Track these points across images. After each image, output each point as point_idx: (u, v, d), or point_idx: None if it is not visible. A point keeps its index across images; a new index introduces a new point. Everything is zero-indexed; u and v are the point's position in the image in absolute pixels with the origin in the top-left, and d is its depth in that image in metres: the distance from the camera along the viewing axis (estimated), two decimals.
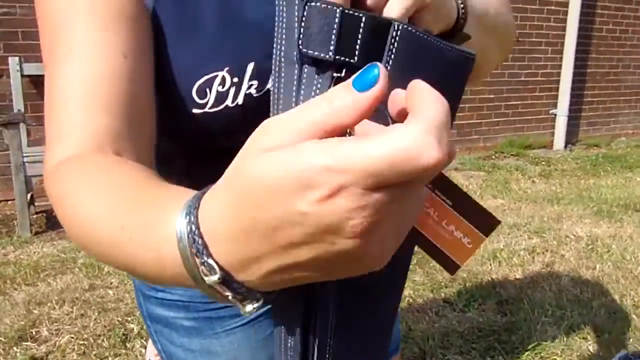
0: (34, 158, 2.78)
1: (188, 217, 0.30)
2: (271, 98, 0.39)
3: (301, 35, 0.36)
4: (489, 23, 0.54)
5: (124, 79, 0.47)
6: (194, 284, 0.31)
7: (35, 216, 3.04)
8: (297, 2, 0.36)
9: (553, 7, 4.65)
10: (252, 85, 0.51)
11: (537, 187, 3.78)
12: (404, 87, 0.30)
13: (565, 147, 4.93)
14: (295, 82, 0.38)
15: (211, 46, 0.51)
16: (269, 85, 0.51)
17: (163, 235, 0.32)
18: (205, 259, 0.29)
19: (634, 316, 2.07)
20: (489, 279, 2.35)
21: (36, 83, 3.08)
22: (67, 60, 0.47)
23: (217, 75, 0.50)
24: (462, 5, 0.46)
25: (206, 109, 0.51)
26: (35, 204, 3.11)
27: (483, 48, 0.52)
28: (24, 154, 2.75)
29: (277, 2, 0.38)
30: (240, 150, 0.30)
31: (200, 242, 0.29)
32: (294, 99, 0.38)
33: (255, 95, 0.51)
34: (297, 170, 0.24)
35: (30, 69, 3.00)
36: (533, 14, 4.57)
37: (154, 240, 0.33)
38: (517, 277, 2.38)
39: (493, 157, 4.55)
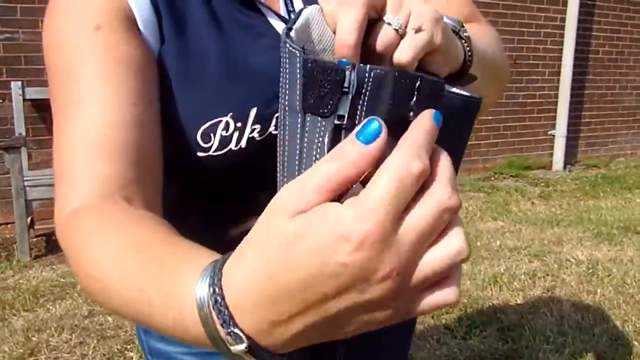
0: (35, 182, 2.79)
1: (212, 289, 0.30)
2: (277, 143, 0.41)
3: (303, 89, 0.38)
4: (488, 64, 0.55)
5: (132, 127, 0.48)
6: (216, 349, 0.32)
7: (34, 239, 3.04)
8: (298, 55, 0.38)
9: (549, 30, 4.71)
10: (254, 129, 0.53)
11: (536, 209, 3.79)
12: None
13: (565, 167, 4.94)
14: (299, 129, 0.39)
15: (215, 93, 0.53)
16: (271, 129, 0.53)
17: (183, 301, 0.32)
18: (232, 329, 0.30)
19: (635, 342, 2.06)
20: (490, 304, 2.34)
21: (38, 107, 3.11)
22: (77, 110, 0.48)
23: (221, 121, 0.52)
24: (468, 47, 0.47)
25: (210, 153, 0.53)
26: (35, 227, 3.10)
27: (483, 88, 0.54)
28: (25, 178, 2.76)
29: (281, 53, 0.40)
30: (264, 215, 0.30)
31: (226, 313, 0.29)
32: (298, 144, 0.40)
33: (257, 138, 0.53)
34: (334, 226, 0.27)
35: (32, 93, 3.02)
36: (530, 37, 4.63)
37: (173, 305, 0.33)
38: (518, 302, 2.37)
39: (492, 178, 4.56)
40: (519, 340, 2.04)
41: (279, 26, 0.57)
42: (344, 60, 0.38)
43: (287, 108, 0.40)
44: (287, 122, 0.40)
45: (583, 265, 2.77)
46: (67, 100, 0.49)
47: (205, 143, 0.52)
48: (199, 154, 0.53)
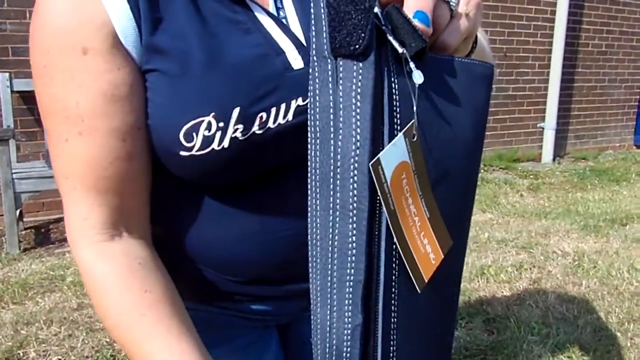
0: (23, 174, 2.78)
1: None
2: (310, 101, 0.38)
3: (329, 27, 0.34)
4: (484, 57, 0.58)
5: (126, 160, 0.54)
6: None
7: (23, 232, 3.03)
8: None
9: (540, 23, 4.72)
10: (237, 129, 0.53)
11: (525, 201, 3.82)
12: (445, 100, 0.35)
13: (554, 160, 4.98)
14: (330, 78, 0.35)
15: (197, 93, 0.53)
16: (254, 129, 0.53)
17: None
18: None
19: (618, 334, 2.10)
20: (477, 296, 2.37)
21: (26, 99, 3.08)
22: (77, 140, 0.53)
23: (203, 121, 0.52)
24: (473, 39, 0.50)
25: (193, 152, 0.53)
26: (24, 219, 3.09)
27: None
28: (13, 170, 2.74)
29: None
30: None
31: None
32: (330, 97, 0.35)
33: (241, 138, 0.53)
34: None
35: (20, 84, 3.00)
36: (520, 30, 4.64)
37: None
38: (505, 294, 2.40)
39: (482, 170, 4.59)
40: (504, 332, 2.07)
41: (268, 23, 0.56)
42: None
43: (315, 59, 0.36)
44: (316, 74, 0.36)
45: (569, 257, 2.80)
46: (64, 129, 0.53)
47: (187, 142, 0.53)
48: (182, 153, 0.53)
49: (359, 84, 0.34)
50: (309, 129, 0.37)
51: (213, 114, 0.52)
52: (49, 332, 2.02)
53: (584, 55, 5.09)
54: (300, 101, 0.54)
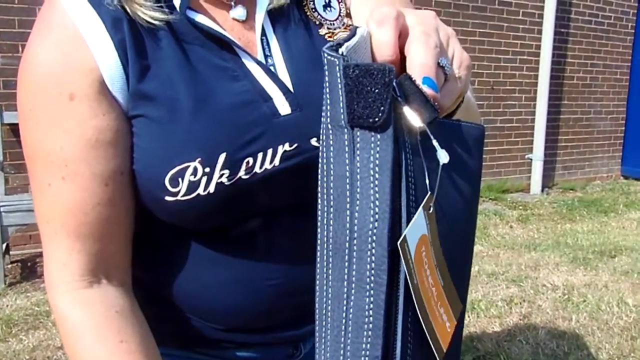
0: (11, 207, 2.75)
1: None
2: (320, 169, 0.37)
3: (347, 99, 0.34)
4: (470, 110, 0.58)
5: (107, 205, 0.54)
6: None
7: (9, 266, 2.98)
8: (337, 63, 0.34)
9: (525, 57, 4.83)
10: (223, 174, 0.53)
11: (515, 233, 3.84)
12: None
13: (542, 190, 5.03)
14: (346, 148, 0.35)
15: (184, 139, 0.53)
16: (241, 174, 0.54)
17: None
18: None
19: None
20: (467, 332, 2.35)
21: (15, 131, 3.08)
22: (60, 183, 0.53)
23: (189, 166, 0.52)
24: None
25: (178, 197, 0.53)
26: (11, 253, 3.05)
27: None
28: (1, 203, 2.72)
29: (324, 68, 0.36)
30: None
31: None
32: (347, 166, 0.34)
33: (227, 183, 0.53)
34: None
35: (10, 117, 3.00)
36: (506, 63, 4.74)
37: None
38: (495, 329, 2.39)
39: None
40: None
41: (256, 70, 0.57)
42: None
43: (329, 127, 0.35)
44: (331, 142, 0.35)
45: (559, 290, 2.80)
46: (48, 173, 0.53)
47: (173, 188, 0.53)
48: (168, 198, 0.53)
49: (377, 155, 0.34)
50: (320, 195, 0.37)
51: (199, 159, 0.52)
52: None
53: (570, 88, 5.20)
54: (287, 146, 0.55)
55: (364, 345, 0.35)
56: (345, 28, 0.64)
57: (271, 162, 0.54)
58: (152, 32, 0.54)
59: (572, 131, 5.32)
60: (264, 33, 0.59)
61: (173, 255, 0.61)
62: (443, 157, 0.36)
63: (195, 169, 0.52)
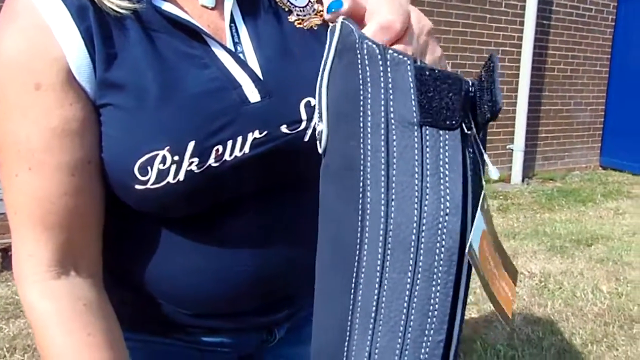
0: None
1: None
2: (370, 163, 0.36)
3: (419, 100, 0.35)
4: None
5: (74, 195, 0.54)
6: None
7: None
8: (408, 63, 0.35)
9: (507, 48, 4.87)
10: (193, 162, 0.53)
11: (495, 222, 3.88)
12: None
13: (523, 181, 5.10)
14: (416, 145, 0.36)
15: (152, 127, 0.53)
16: (210, 161, 0.54)
17: None
18: None
19: (582, 355, 2.15)
20: None
21: None
22: (27, 175, 0.53)
23: (157, 154, 0.52)
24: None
25: (148, 186, 0.53)
26: None
27: None
28: None
29: (366, 63, 0.37)
30: None
31: None
32: (416, 161, 0.36)
33: (196, 171, 0.53)
34: None
35: None
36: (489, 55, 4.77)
37: None
38: (472, 316, 2.44)
39: None
40: (471, 355, 2.10)
41: (225, 57, 0.57)
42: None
43: (392, 123, 0.36)
44: (394, 138, 0.36)
45: (536, 278, 2.87)
46: (15, 163, 0.53)
47: (142, 176, 0.53)
48: (137, 186, 0.54)
49: (447, 153, 0.35)
50: (370, 188, 0.37)
51: (168, 147, 0.52)
52: (13, 358, 1.97)
53: (550, 80, 5.26)
54: (257, 134, 0.55)
55: (427, 332, 0.37)
56: (315, 14, 0.64)
57: (241, 149, 0.55)
58: (118, 21, 0.53)
59: (552, 122, 5.39)
60: (232, 20, 0.59)
61: (142, 241, 0.61)
62: (494, 173, 0.39)
63: (164, 157, 0.52)
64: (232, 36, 0.59)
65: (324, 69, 0.40)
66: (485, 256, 0.39)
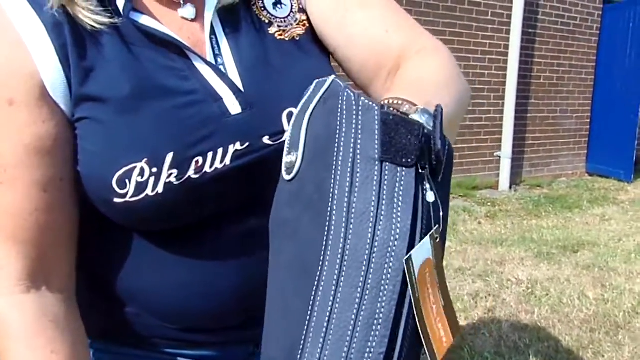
0: None
1: None
2: (338, 191, 0.41)
3: (382, 140, 0.41)
4: (452, 122, 0.55)
5: (46, 212, 0.54)
6: None
7: None
8: (376, 109, 0.41)
9: (494, 57, 4.92)
10: (172, 174, 0.53)
11: (483, 229, 3.92)
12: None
13: (510, 187, 5.14)
14: (375, 178, 0.41)
15: (129, 139, 0.53)
16: (190, 173, 0.53)
17: None
18: None
19: None
20: None
21: None
22: (2, 191, 0.53)
23: (135, 167, 0.52)
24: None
25: (127, 199, 0.53)
26: None
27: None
28: None
29: (339, 101, 0.42)
30: None
31: None
32: (374, 193, 0.40)
33: (175, 183, 0.53)
34: None
35: None
36: (475, 62, 4.82)
37: None
38: (460, 323, 2.44)
39: None
40: None
41: (205, 70, 0.57)
42: None
43: (357, 157, 0.41)
44: (358, 171, 0.41)
45: (523, 285, 2.88)
46: None
47: (120, 189, 0.53)
48: (116, 200, 0.53)
49: (402, 187, 0.41)
50: (335, 211, 0.41)
51: (145, 159, 0.52)
52: None
53: (537, 87, 5.32)
54: (238, 145, 0.55)
55: (369, 343, 0.40)
56: (298, 24, 0.64)
57: (222, 161, 0.54)
58: (95, 35, 0.53)
59: (539, 129, 5.44)
60: (213, 32, 0.59)
61: (125, 254, 0.61)
62: (430, 197, 0.43)
63: (142, 170, 0.52)
64: (213, 48, 0.59)
65: (305, 111, 0.45)
66: (424, 284, 0.43)
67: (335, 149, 0.42)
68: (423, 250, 0.42)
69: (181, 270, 0.60)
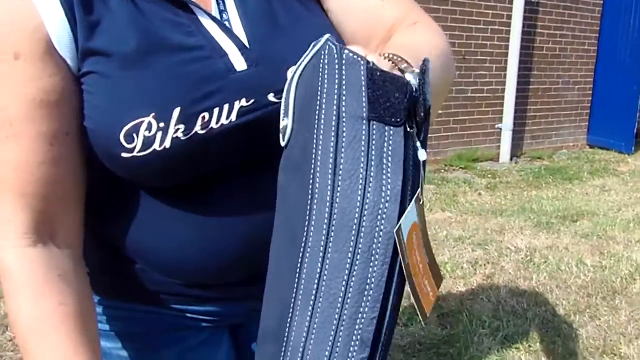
0: None
1: None
2: (321, 152, 0.39)
3: (369, 98, 0.38)
4: (437, 93, 0.56)
5: (52, 165, 0.54)
6: None
7: None
8: (362, 64, 0.38)
9: (496, 27, 4.87)
10: (178, 129, 0.53)
11: (482, 200, 3.94)
12: None
13: (511, 159, 5.14)
14: (363, 137, 0.39)
15: (136, 93, 0.53)
16: (196, 129, 0.54)
17: None
18: None
19: (564, 325, 2.20)
20: None
21: None
22: (6, 144, 0.53)
23: (143, 121, 0.52)
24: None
25: (134, 153, 0.53)
26: None
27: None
28: None
29: (322, 57, 0.40)
30: None
31: None
32: (362, 152, 0.39)
33: (182, 138, 0.53)
34: None
35: None
36: (478, 33, 4.77)
37: None
38: (459, 289, 2.48)
39: (442, 170, 4.70)
40: (457, 326, 2.15)
41: (210, 26, 0.57)
42: None
43: (343, 116, 0.39)
44: (344, 130, 0.39)
45: (522, 252, 2.91)
46: None
47: (128, 144, 0.53)
48: (123, 154, 0.53)
49: (390, 147, 0.39)
50: (319, 174, 0.40)
51: (153, 114, 0.52)
52: (4, 337, 1.99)
53: (539, 59, 5.27)
54: (243, 102, 0.55)
55: (361, 309, 0.39)
56: None
57: (227, 117, 0.55)
58: None
59: (540, 101, 5.42)
60: None
61: (130, 213, 0.62)
62: (421, 155, 0.42)
63: (150, 124, 0.52)
64: (218, 3, 0.59)
65: (295, 71, 0.43)
66: (412, 247, 0.42)
67: (317, 108, 0.40)
68: (411, 215, 0.41)
69: (186, 227, 0.61)
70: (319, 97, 0.40)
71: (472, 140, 5.00)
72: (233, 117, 0.55)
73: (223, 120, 0.55)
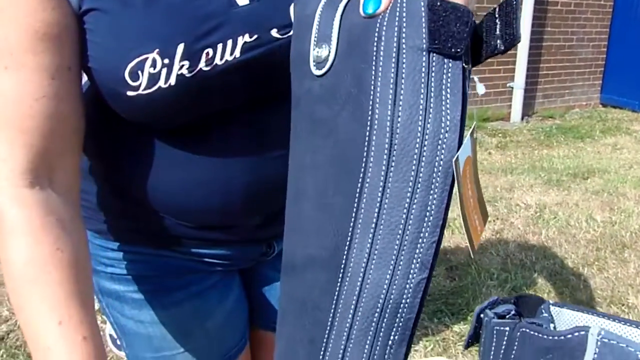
0: None
1: None
2: (381, 82, 0.40)
3: (430, 28, 0.38)
4: None
5: (53, 99, 0.53)
6: None
7: None
8: None
9: None
10: (183, 65, 0.53)
11: (493, 159, 3.92)
12: None
13: (522, 119, 5.08)
14: (423, 70, 0.39)
15: (139, 29, 0.53)
16: (201, 65, 0.53)
17: None
18: None
19: (572, 277, 2.22)
20: (442, 247, 2.46)
21: None
22: (5, 74, 0.52)
23: (147, 58, 0.52)
24: None
25: (140, 91, 0.53)
26: None
27: None
28: None
29: None
30: None
31: None
32: (422, 86, 0.39)
33: (187, 75, 0.53)
34: None
35: None
36: None
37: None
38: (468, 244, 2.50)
39: None
40: (465, 278, 2.17)
41: None
42: None
43: (403, 47, 0.39)
44: (404, 61, 0.39)
45: (531, 209, 2.91)
46: None
47: (133, 81, 0.53)
48: (129, 93, 0.53)
49: (449, 79, 0.39)
50: (379, 104, 0.40)
51: (157, 50, 0.52)
52: None
53: (553, 14, 5.14)
54: (247, 37, 0.55)
55: (422, 234, 0.41)
56: None
57: (231, 53, 0.54)
58: None
59: (554, 59, 5.31)
60: None
61: (138, 154, 0.62)
62: (480, 88, 0.44)
63: (154, 61, 0.52)
64: None
65: (338, 6, 0.43)
66: (466, 180, 0.43)
67: (376, 39, 0.40)
68: (466, 148, 0.42)
69: (191, 168, 0.62)
70: (378, 29, 0.40)
71: (483, 99, 4.94)
72: (237, 53, 0.55)
73: (227, 57, 0.54)
